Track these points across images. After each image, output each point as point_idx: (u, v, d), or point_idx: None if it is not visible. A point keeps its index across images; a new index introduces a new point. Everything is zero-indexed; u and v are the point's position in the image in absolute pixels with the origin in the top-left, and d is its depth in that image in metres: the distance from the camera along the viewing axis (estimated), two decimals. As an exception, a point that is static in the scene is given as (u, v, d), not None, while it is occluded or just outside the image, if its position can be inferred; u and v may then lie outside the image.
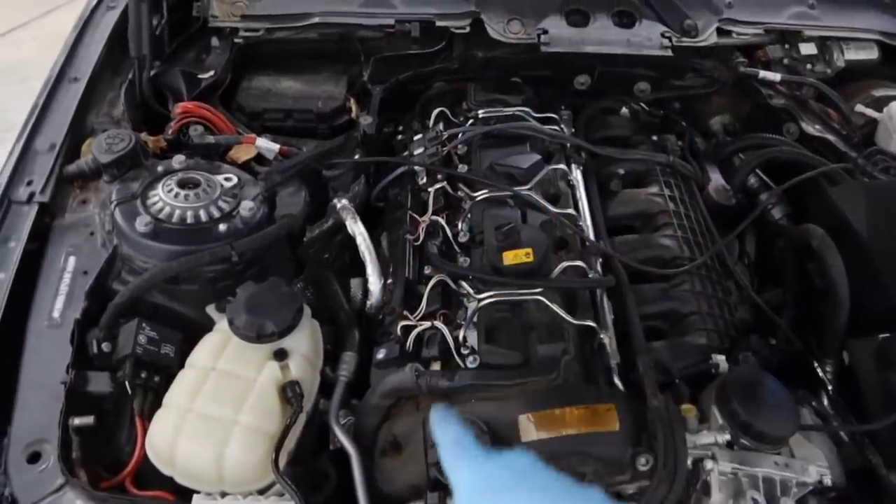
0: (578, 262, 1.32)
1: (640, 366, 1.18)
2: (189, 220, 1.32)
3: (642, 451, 1.06)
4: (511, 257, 1.26)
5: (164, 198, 1.35)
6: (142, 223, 1.29)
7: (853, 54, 1.88)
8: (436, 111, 1.74)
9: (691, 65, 1.89)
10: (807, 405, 1.29)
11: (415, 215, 1.50)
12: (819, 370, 1.36)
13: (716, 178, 1.72)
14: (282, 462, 1.12)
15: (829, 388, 1.33)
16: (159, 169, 1.42)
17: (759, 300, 1.48)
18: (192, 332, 1.28)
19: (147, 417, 1.17)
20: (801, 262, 1.56)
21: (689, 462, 1.06)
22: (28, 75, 3.81)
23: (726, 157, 1.80)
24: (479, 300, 1.25)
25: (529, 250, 1.26)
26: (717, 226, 1.60)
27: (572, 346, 1.19)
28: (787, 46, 1.90)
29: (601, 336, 1.23)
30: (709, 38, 1.81)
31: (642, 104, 1.86)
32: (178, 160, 1.44)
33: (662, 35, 1.79)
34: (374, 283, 1.39)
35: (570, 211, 1.44)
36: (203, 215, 1.34)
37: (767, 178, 1.75)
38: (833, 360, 1.38)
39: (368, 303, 1.40)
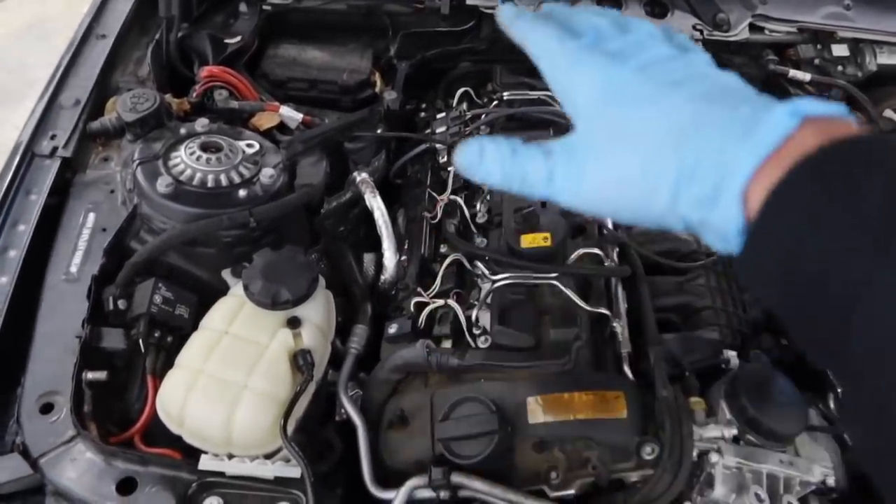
0: (595, 250, 1.32)
1: (652, 356, 1.18)
2: (210, 184, 1.33)
3: (648, 440, 1.07)
4: (529, 240, 1.26)
5: (186, 160, 1.35)
6: (163, 184, 1.30)
7: (886, 58, 1.85)
8: (460, 91, 1.74)
9: (721, 60, 1.86)
10: (814, 407, 1.29)
11: (433, 193, 1.50)
12: (829, 372, 1.35)
13: (738, 174, 1.71)
14: (289, 429, 1.14)
15: (837, 390, 1.32)
16: (182, 131, 1.43)
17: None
18: (207, 295, 1.29)
19: (159, 376, 1.18)
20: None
21: (694, 454, 1.06)
22: (52, 31, 3.81)
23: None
24: (494, 281, 1.25)
25: (548, 235, 1.26)
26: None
27: (584, 333, 1.20)
28: (819, 47, 1.87)
29: (614, 324, 1.23)
30: (741, 33, 1.79)
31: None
32: (202, 123, 1.45)
33: (694, 27, 1.78)
34: (390, 258, 1.40)
35: (590, 198, 1.43)
36: (224, 180, 1.34)
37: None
38: (842, 364, 1.37)
39: (382, 277, 1.41)
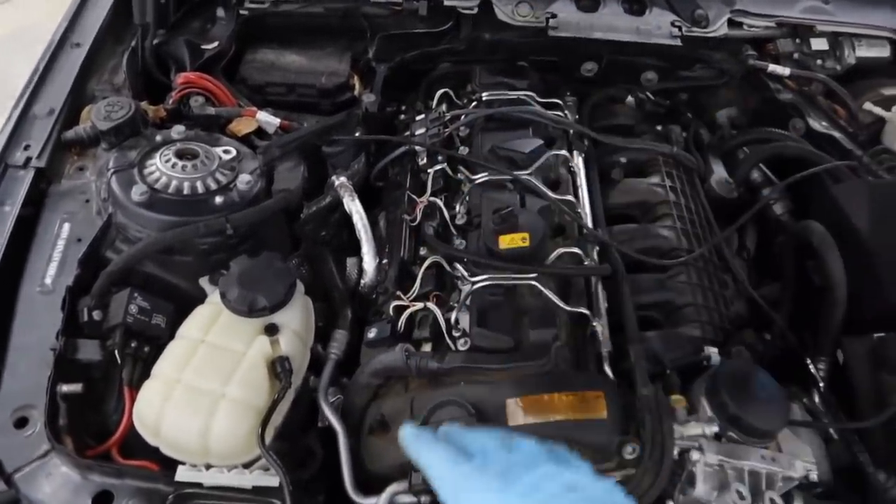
0: (575, 249, 1.31)
1: (632, 355, 1.17)
2: (185, 191, 1.32)
3: (629, 440, 1.06)
4: (507, 241, 1.25)
5: (162, 168, 1.34)
6: (137, 192, 1.29)
7: (864, 51, 1.85)
8: (439, 92, 1.73)
9: (700, 56, 1.87)
10: (797, 401, 1.28)
11: (413, 196, 1.49)
12: (812, 367, 1.35)
13: (718, 171, 1.70)
14: (268, 437, 1.12)
15: (821, 385, 1.32)
16: (158, 138, 1.42)
17: (755, 295, 1.47)
18: (185, 303, 1.28)
19: (136, 387, 1.17)
20: (800, 258, 1.54)
21: (675, 452, 1.06)
22: (35, 40, 3.78)
23: (731, 150, 1.78)
24: (473, 283, 1.24)
25: (526, 235, 1.25)
26: (718, 219, 1.59)
27: (564, 333, 1.19)
28: (798, 41, 1.87)
29: (594, 324, 1.22)
30: (719, 29, 1.79)
31: (648, 94, 1.84)
32: (178, 130, 1.44)
33: (672, 24, 1.77)
34: (369, 261, 1.39)
35: (570, 197, 1.43)
36: (200, 187, 1.33)
37: (771, 173, 1.73)
38: (827, 357, 1.37)
39: (362, 282, 1.40)
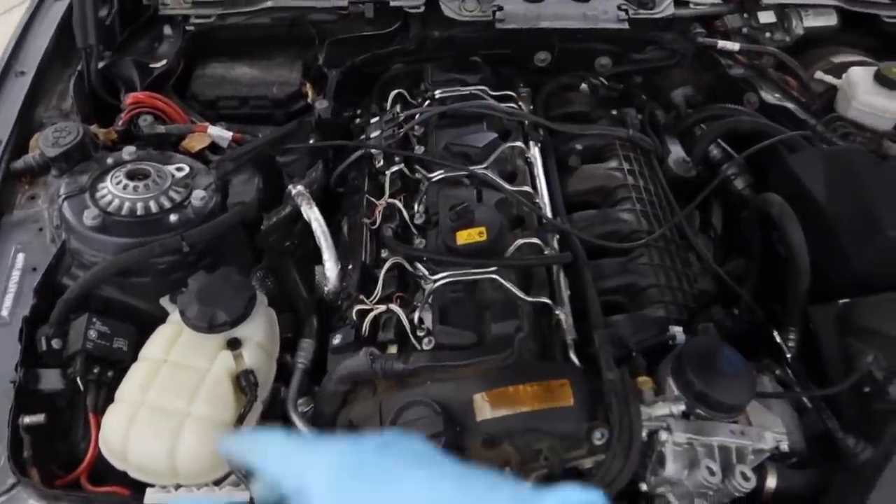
0: (534, 240, 1.31)
1: (596, 340, 1.17)
2: (139, 212, 1.31)
3: (597, 425, 1.06)
4: (464, 237, 1.25)
5: (113, 190, 1.33)
6: (90, 216, 1.27)
7: (812, 21, 1.87)
8: (393, 93, 1.72)
9: (650, 38, 1.87)
10: (768, 373, 1.29)
11: (372, 199, 1.48)
12: (778, 338, 1.36)
13: (676, 151, 1.71)
14: (238, 452, 1.12)
15: (788, 355, 1.33)
16: (109, 161, 1.40)
17: (720, 271, 1.48)
18: (147, 325, 1.26)
19: (101, 413, 1.15)
20: (765, 231, 1.55)
21: (644, 434, 1.06)
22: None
23: (687, 128, 1.79)
24: (434, 281, 1.24)
25: (483, 229, 1.25)
26: (679, 199, 1.59)
27: (527, 324, 1.19)
28: (745, 15, 1.88)
29: (557, 312, 1.22)
30: (665, 9, 1.79)
31: (602, 79, 1.85)
32: (129, 151, 1.42)
33: (619, 7, 1.77)
34: (331, 268, 1.38)
35: (527, 188, 1.43)
36: (153, 206, 1.32)
37: (731, 149, 1.74)
38: (796, 327, 1.37)
39: (326, 289, 1.39)
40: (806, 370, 1.33)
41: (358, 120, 1.76)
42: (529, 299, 1.21)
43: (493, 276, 1.23)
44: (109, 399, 1.16)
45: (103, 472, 1.15)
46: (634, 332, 1.28)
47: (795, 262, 1.39)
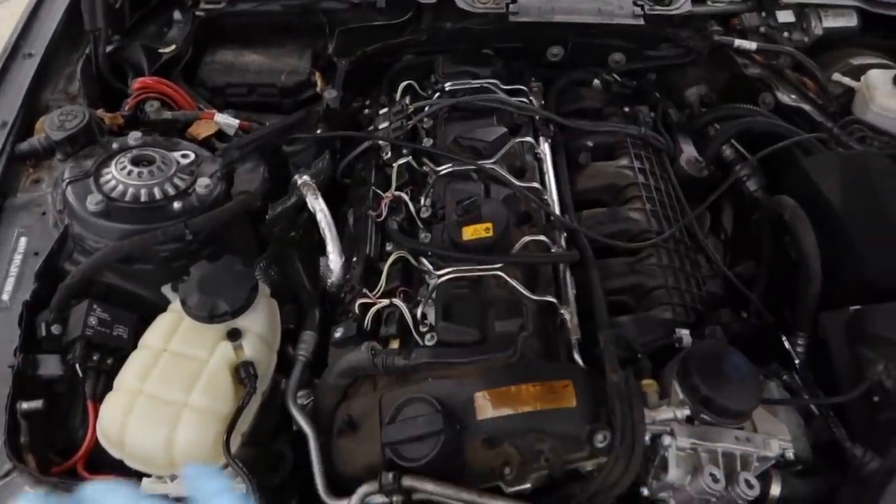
0: (541, 237, 1.29)
1: (601, 341, 1.15)
2: (143, 199, 1.29)
3: (600, 427, 1.04)
4: (470, 232, 1.24)
5: (117, 175, 1.31)
6: (93, 202, 1.26)
7: (831, 21, 1.83)
8: (403, 84, 1.70)
9: (666, 34, 1.84)
10: (776, 379, 1.27)
11: (378, 191, 1.46)
12: (787, 343, 1.33)
13: (688, 150, 1.68)
14: (235, 444, 1.11)
15: (797, 361, 1.31)
16: (114, 146, 1.39)
17: (729, 273, 1.45)
18: (148, 312, 1.25)
19: (100, 400, 1.14)
20: (777, 234, 1.53)
21: (647, 438, 1.04)
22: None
23: (700, 128, 1.76)
24: (438, 276, 1.22)
25: (489, 225, 1.24)
26: (691, 198, 1.57)
27: (530, 323, 1.17)
28: (763, 14, 1.85)
29: (562, 312, 1.20)
30: (683, 5, 1.77)
31: (614, 75, 1.82)
32: (134, 137, 1.41)
33: (634, 3, 1.75)
34: (335, 260, 1.37)
35: (535, 184, 1.41)
36: (157, 193, 1.31)
37: (744, 150, 1.71)
38: (806, 333, 1.35)
39: (329, 281, 1.38)
40: (814, 377, 1.31)
41: (367, 111, 1.73)
42: (535, 298, 1.19)
43: (499, 272, 1.21)
44: (108, 386, 1.15)
45: (100, 460, 1.15)
46: (640, 333, 1.26)
47: (807, 267, 1.37)
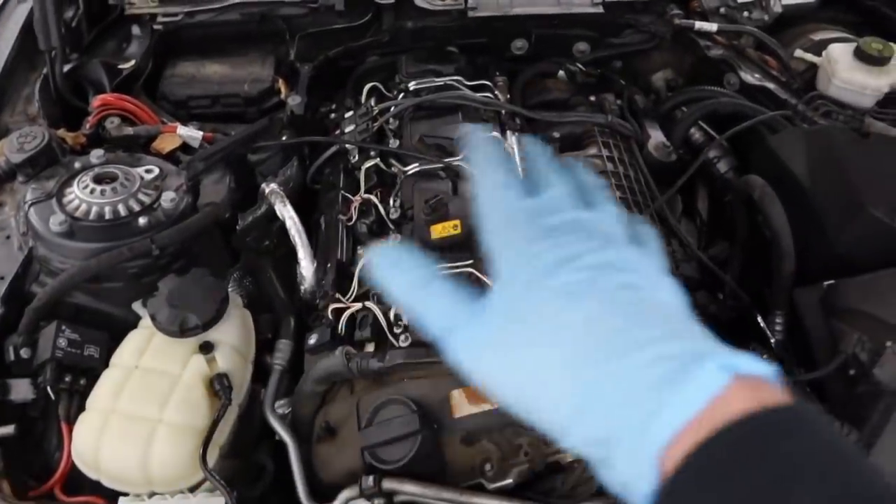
0: (512, 230, 1.28)
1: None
2: (107, 216, 1.28)
3: (580, 417, 1.04)
4: (439, 231, 1.23)
5: (80, 195, 1.30)
6: (56, 222, 1.25)
7: (790, -2, 1.84)
8: (368, 86, 1.69)
9: (627, 21, 1.84)
10: (753, 360, 1.27)
11: (348, 195, 1.46)
12: (762, 322, 1.34)
13: (656, 136, 1.68)
14: (213, 457, 1.10)
15: (772, 340, 1.31)
16: (77, 165, 1.37)
17: (702, 256, 1.46)
18: (121, 331, 1.24)
19: (74, 422, 1.13)
20: (751, 214, 1.53)
21: (625, 425, 1.03)
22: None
23: (667, 112, 1.77)
24: (409, 277, 1.21)
25: (457, 222, 1.23)
26: (662, 184, 1.57)
27: (504, 317, 1.16)
28: (722, -5, 1.86)
29: (535, 304, 1.20)
30: (641, -9, 1.77)
31: (579, 65, 1.82)
32: (97, 155, 1.39)
33: (596, -8, 1.75)
34: (306, 267, 1.35)
35: (504, 179, 1.40)
36: (122, 210, 1.29)
37: (714, 132, 1.71)
38: (782, 311, 1.35)
39: (302, 288, 1.37)
40: (795, 354, 1.31)
41: (333, 115, 1.72)
42: (506, 292, 1.18)
43: (470, 269, 1.20)
44: (82, 408, 1.14)
45: (78, 482, 1.13)
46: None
47: (778, 245, 1.37)
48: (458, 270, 1.21)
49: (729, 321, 1.45)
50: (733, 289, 1.43)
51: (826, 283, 1.31)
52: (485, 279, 1.19)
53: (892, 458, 1.06)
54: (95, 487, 1.11)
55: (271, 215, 1.44)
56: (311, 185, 1.61)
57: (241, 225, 1.44)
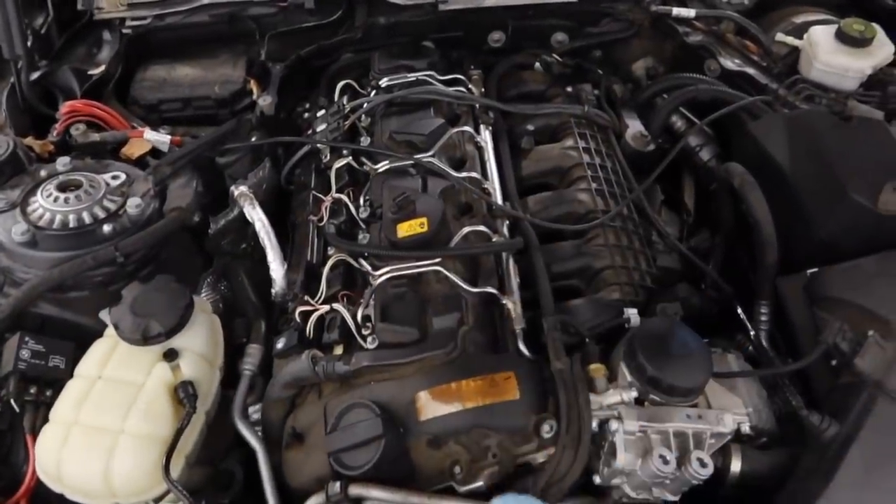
0: (481, 228, 1.26)
1: (545, 328, 1.12)
2: (71, 224, 1.26)
3: (545, 418, 1.01)
4: (405, 229, 1.21)
5: (44, 203, 1.28)
6: (18, 231, 1.23)
7: (771, -18, 1.80)
8: (341, 84, 1.67)
9: (604, 9, 1.81)
10: (735, 351, 1.24)
11: (319, 195, 1.43)
12: (741, 313, 1.31)
13: (634, 125, 1.65)
14: (179, 466, 1.08)
15: (752, 332, 1.27)
16: (42, 173, 1.36)
17: (681, 247, 1.42)
18: (89, 340, 1.21)
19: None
20: (736, 203, 1.50)
21: (595, 424, 1.01)
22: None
23: (646, 101, 1.73)
24: (376, 277, 1.19)
25: (424, 220, 1.20)
26: (640, 173, 1.54)
27: (470, 316, 1.14)
28: (702, -21, 1.82)
29: (504, 302, 1.17)
30: (615, -23, 1.74)
31: (555, 56, 1.79)
32: (63, 162, 1.38)
33: (571, -19, 1.72)
34: (277, 269, 1.34)
35: (475, 174, 1.38)
36: (86, 217, 1.27)
37: (697, 120, 1.68)
38: (767, 300, 1.32)
39: (273, 291, 1.35)
40: (783, 344, 1.28)
41: (307, 114, 1.70)
42: (474, 290, 1.16)
43: (438, 267, 1.18)
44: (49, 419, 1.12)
45: (45, 495, 1.11)
46: (591, 316, 1.23)
47: (760, 233, 1.33)
48: (426, 269, 1.18)
49: (716, 312, 1.41)
50: (714, 279, 1.39)
51: (809, 271, 1.28)
52: (452, 276, 1.17)
53: (871, 455, 1.02)
54: (62, 500, 1.09)
55: (244, 218, 1.42)
56: (286, 186, 1.59)
57: (214, 229, 1.43)
